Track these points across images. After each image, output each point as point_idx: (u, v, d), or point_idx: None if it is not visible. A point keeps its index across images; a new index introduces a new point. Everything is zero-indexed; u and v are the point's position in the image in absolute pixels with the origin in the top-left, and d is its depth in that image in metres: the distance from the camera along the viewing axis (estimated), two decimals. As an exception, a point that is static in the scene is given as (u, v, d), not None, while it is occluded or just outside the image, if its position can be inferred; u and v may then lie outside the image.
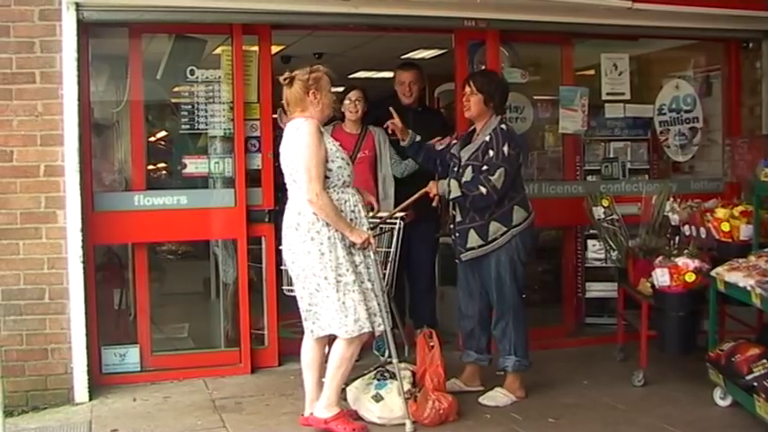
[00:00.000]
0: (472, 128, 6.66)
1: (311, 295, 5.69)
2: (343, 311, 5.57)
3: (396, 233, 6.61)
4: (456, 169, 6.53)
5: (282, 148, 5.84)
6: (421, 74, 7.82)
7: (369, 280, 5.70)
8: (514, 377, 6.52)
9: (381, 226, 6.58)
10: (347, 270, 5.59)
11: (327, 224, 5.57)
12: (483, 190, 6.23)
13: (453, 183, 6.37)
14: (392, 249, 6.60)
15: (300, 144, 5.59)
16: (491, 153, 6.28)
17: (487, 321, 6.66)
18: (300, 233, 5.63)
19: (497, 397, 6.46)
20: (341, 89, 7.45)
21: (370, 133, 7.43)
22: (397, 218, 6.62)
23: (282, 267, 6.23)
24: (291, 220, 5.70)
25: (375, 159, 7.46)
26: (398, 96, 7.78)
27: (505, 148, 6.27)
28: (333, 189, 5.66)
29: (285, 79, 5.77)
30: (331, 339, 5.81)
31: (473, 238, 6.42)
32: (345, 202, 5.72)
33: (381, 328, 5.75)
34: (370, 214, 6.20)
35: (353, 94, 7.40)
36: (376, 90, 8.07)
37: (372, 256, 5.75)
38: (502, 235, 6.36)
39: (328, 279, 5.57)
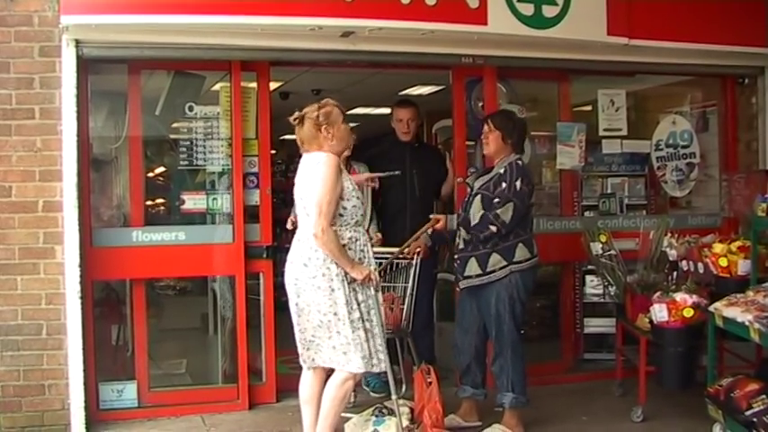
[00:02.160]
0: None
1: (314, 329, 5.64)
2: (351, 348, 5.52)
3: (414, 269, 6.61)
4: (467, 198, 6.62)
5: (298, 180, 5.79)
6: (418, 111, 7.85)
7: (368, 320, 5.65)
8: (512, 413, 6.49)
9: (397, 262, 6.60)
10: (353, 308, 5.56)
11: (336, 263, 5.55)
12: (494, 228, 6.29)
13: (461, 221, 6.43)
14: (409, 285, 6.61)
15: (317, 177, 5.54)
16: (503, 185, 6.33)
17: (484, 356, 6.66)
18: (311, 269, 5.57)
19: None
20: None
21: (353, 170, 7.36)
22: (412, 254, 6.63)
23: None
24: (302, 255, 5.63)
25: None
26: (395, 133, 7.81)
27: (518, 183, 6.32)
28: (345, 227, 5.63)
29: (295, 119, 5.73)
30: (329, 375, 5.79)
31: (472, 267, 6.44)
32: (356, 240, 5.68)
33: (383, 366, 5.70)
34: (381, 249, 6.23)
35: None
36: (375, 126, 8.11)
37: (373, 294, 5.72)
38: (501, 269, 6.36)
39: (339, 315, 5.52)
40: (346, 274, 5.56)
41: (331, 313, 5.54)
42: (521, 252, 6.40)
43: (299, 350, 5.80)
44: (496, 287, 6.39)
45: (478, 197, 6.44)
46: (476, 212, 6.41)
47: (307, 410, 5.84)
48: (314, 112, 5.69)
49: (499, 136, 6.53)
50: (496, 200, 6.31)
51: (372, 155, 7.68)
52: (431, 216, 6.62)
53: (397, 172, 7.15)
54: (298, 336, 5.78)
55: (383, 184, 7.56)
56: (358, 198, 5.72)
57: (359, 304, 5.61)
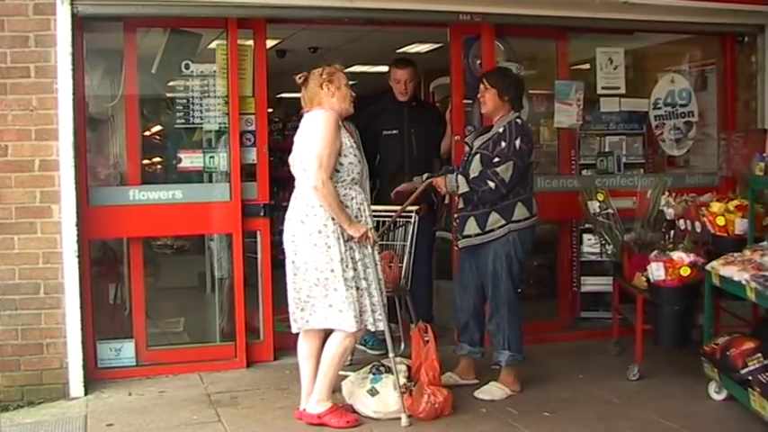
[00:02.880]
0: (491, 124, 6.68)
1: (310, 288, 5.70)
2: (345, 306, 5.59)
3: (412, 227, 6.62)
4: (466, 158, 6.63)
5: (297, 138, 5.88)
6: (416, 70, 7.83)
7: (364, 278, 5.71)
8: (508, 371, 6.52)
9: (397, 220, 6.61)
10: (347, 266, 5.62)
11: (333, 218, 5.59)
12: (491, 185, 6.28)
13: (461, 179, 6.39)
14: (408, 243, 6.62)
15: (316, 132, 5.64)
16: (503, 144, 6.33)
17: (482, 315, 6.68)
18: (307, 226, 5.64)
19: (493, 391, 6.47)
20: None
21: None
22: (410, 212, 6.63)
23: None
24: (299, 212, 5.71)
25: None
26: (393, 92, 7.78)
27: (518, 142, 6.32)
28: (341, 184, 5.68)
29: (300, 77, 5.84)
30: (326, 334, 5.82)
31: (471, 226, 6.45)
32: (352, 198, 5.74)
33: (380, 325, 5.76)
34: (381, 207, 6.27)
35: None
36: (372, 84, 8.08)
37: (371, 253, 5.75)
38: (500, 227, 6.37)
39: (335, 272, 5.60)
40: (343, 231, 5.60)
41: (328, 270, 5.61)
42: (519, 211, 6.40)
43: (292, 311, 5.85)
44: (494, 245, 6.40)
45: (477, 156, 6.44)
46: (475, 171, 6.41)
47: (305, 366, 5.91)
48: (319, 70, 5.81)
49: (495, 93, 6.51)
50: (496, 159, 6.31)
51: (370, 113, 7.66)
52: (431, 180, 6.60)
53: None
54: (292, 296, 5.82)
55: (382, 144, 7.55)
56: (355, 156, 5.77)
57: (355, 263, 5.66)
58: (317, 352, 5.87)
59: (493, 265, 6.42)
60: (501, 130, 6.40)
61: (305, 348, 5.92)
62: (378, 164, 7.63)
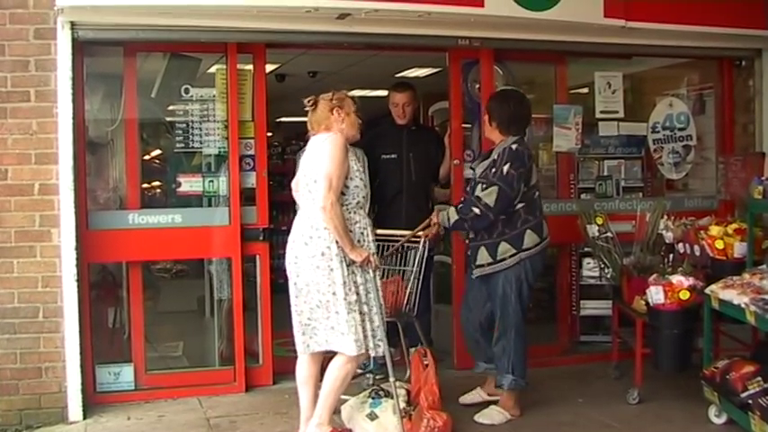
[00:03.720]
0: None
1: (311, 310, 5.68)
2: (346, 329, 5.54)
3: (419, 252, 6.61)
4: (469, 185, 6.72)
5: (303, 160, 5.88)
6: (415, 94, 7.83)
7: (365, 302, 5.68)
8: (509, 395, 6.52)
9: (404, 244, 6.61)
10: (349, 289, 5.59)
11: (337, 241, 5.56)
12: (477, 211, 6.30)
13: (451, 210, 6.45)
14: (414, 268, 6.61)
15: (325, 153, 5.62)
16: (493, 170, 6.35)
17: (489, 332, 6.69)
18: (311, 248, 5.61)
19: (493, 415, 6.47)
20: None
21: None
22: (418, 237, 6.63)
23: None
24: (302, 234, 5.68)
25: None
26: (392, 116, 7.79)
27: (506, 167, 6.30)
28: (345, 207, 5.67)
29: (309, 101, 5.86)
30: (326, 358, 5.81)
31: (483, 256, 6.48)
32: (356, 222, 5.72)
33: (379, 350, 5.73)
34: (386, 232, 6.40)
35: None
36: (372, 108, 8.09)
37: (372, 277, 5.73)
38: (510, 256, 6.39)
39: (337, 295, 5.56)
40: (345, 255, 5.58)
41: (330, 293, 5.58)
42: (529, 239, 6.43)
43: (295, 334, 5.83)
44: (506, 271, 6.44)
45: (480, 185, 6.42)
46: None
47: (304, 392, 5.87)
48: (328, 96, 5.84)
49: (487, 118, 6.65)
50: (482, 184, 6.35)
51: (369, 137, 7.68)
52: (429, 220, 6.63)
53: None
54: (295, 319, 5.80)
55: (380, 168, 7.55)
56: (361, 180, 5.77)
57: (357, 287, 5.63)
58: (315, 376, 5.85)
59: (503, 287, 6.44)
60: (496, 156, 6.43)
61: (303, 372, 5.88)
62: (376, 188, 7.63)
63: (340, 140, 5.67)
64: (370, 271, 5.71)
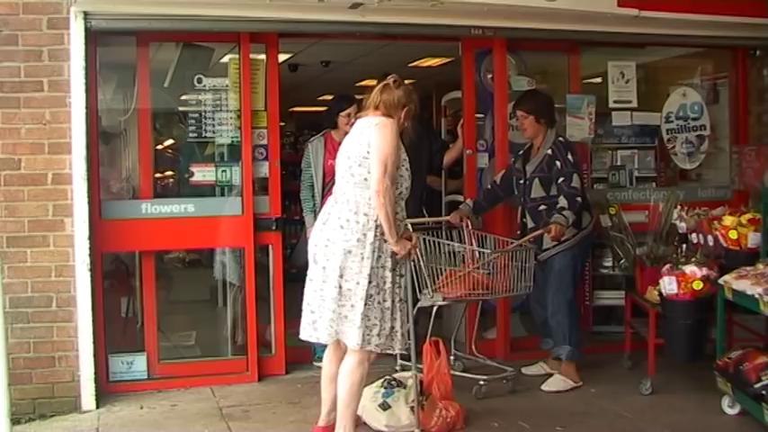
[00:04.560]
0: (528, 144, 7.17)
1: (327, 299, 5.42)
2: (359, 322, 5.35)
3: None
4: (521, 182, 7.06)
5: (348, 141, 5.59)
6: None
7: (386, 298, 5.44)
8: (569, 364, 7.00)
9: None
10: (374, 283, 5.38)
11: (374, 231, 5.36)
12: (579, 200, 6.83)
13: (564, 213, 6.73)
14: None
15: (381, 137, 5.38)
16: (558, 164, 6.85)
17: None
18: (346, 232, 5.37)
19: (558, 383, 6.96)
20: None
21: None
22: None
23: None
24: (339, 216, 5.42)
25: None
26: None
27: (570, 157, 6.90)
28: None
29: (395, 81, 5.61)
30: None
31: (548, 239, 6.83)
32: (396, 213, 5.47)
33: (398, 346, 5.57)
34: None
35: (353, 109, 7.41)
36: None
37: (403, 274, 5.59)
38: (573, 236, 6.94)
39: (360, 284, 5.34)
40: (380, 246, 5.40)
41: (353, 282, 5.36)
42: (585, 219, 7.06)
43: (304, 317, 5.62)
44: (565, 250, 6.96)
45: (536, 180, 6.96)
46: (537, 194, 6.98)
47: (329, 388, 5.65)
48: (408, 86, 5.68)
49: (533, 120, 7.00)
50: (561, 179, 6.82)
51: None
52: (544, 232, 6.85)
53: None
54: (315, 302, 5.54)
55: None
56: (407, 170, 5.58)
57: (383, 281, 5.43)
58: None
59: (559, 264, 6.96)
60: (549, 152, 6.91)
61: (332, 370, 5.62)
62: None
63: (395, 126, 5.47)
64: (404, 266, 5.58)
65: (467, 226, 7.17)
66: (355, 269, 5.35)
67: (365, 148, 5.42)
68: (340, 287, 5.38)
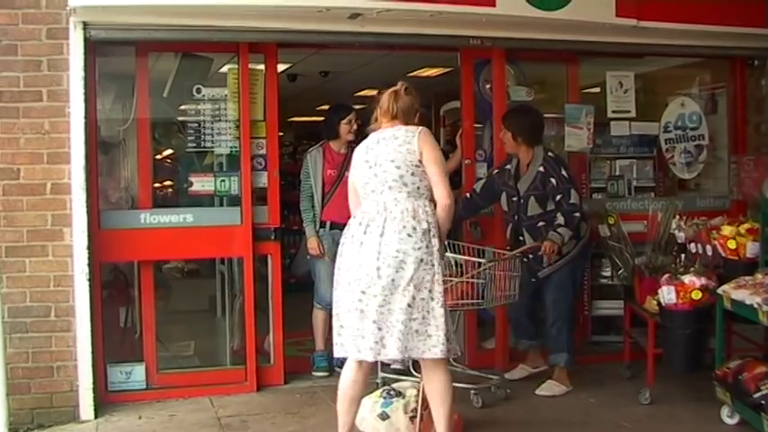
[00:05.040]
0: (515, 160, 7.16)
1: (401, 310, 5.13)
2: (443, 329, 5.14)
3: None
4: (515, 199, 7.05)
5: (377, 152, 5.39)
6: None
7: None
8: (562, 371, 7.10)
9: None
10: (443, 289, 5.26)
11: (437, 239, 5.24)
12: (577, 215, 6.87)
13: (560, 231, 6.78)
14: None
15: (436, 148, 5.33)
16: (553, 181, 6.85)
17: (533, 312, 7.24)
18: (415, 239, 5.15)
19: (552, 388, 7.05)
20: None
21: None
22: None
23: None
24: (404, 225, 5.19)
25: None
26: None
27: (564, 172, 6.93)
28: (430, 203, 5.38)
29: (406, 88, 5.54)
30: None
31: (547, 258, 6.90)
32: None
33: (456, 351, 5.44)
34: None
35: (353, 116, 7.44)
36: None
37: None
38: (574, 247, 7.03)
39: (433, 293, 5.15)
40: (442, 254, 5.31)
41: (426, 290, 5.15)
42: (583, 227, 7.12)
43: (350, 338, 5.28)
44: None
45: (532, 198, 6.97)
46: (533, 212, 6.99)
47: (351, 410, 5.40)
48: (414, 92, 5.60)
49: (510, 137, 7.01)
50: (559, 196, 6.85)
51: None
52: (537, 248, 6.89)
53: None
54: (373, 318, 5.19)
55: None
56: None
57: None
58: (361, 396, 5.50)
59: (559, 275, 7.02)
60: (541, 169, 6.92)
61: (354, 390, 5.36)
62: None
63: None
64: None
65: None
66: (428, 277, 5.16)
67: (416, 157, 5.30)
68: (413, 298, 5.13)
